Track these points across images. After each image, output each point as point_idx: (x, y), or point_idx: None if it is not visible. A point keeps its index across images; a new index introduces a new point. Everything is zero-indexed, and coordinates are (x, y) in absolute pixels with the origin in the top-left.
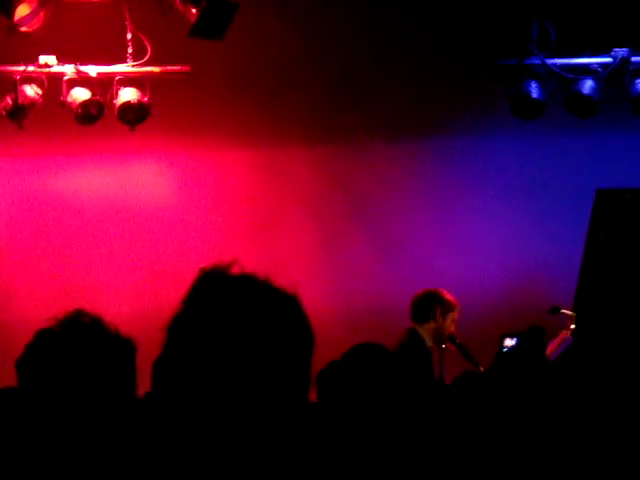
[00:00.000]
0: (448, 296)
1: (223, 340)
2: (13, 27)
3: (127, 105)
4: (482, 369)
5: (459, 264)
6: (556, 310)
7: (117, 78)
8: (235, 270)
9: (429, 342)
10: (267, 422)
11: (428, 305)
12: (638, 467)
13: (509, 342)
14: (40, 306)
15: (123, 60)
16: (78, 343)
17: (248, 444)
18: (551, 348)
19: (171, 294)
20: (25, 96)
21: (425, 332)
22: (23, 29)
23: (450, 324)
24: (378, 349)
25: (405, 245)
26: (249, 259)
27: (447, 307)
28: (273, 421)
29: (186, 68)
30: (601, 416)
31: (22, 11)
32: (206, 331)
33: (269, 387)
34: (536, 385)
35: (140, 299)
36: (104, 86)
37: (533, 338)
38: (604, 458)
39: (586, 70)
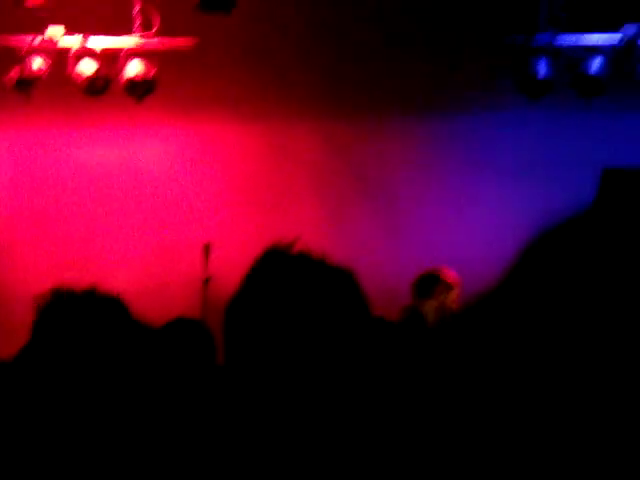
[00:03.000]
0: (450, 274)
1: (284, 319)
2: (20, 0)
3: (134, 78)
4: None
5: (466, 243)
6: None
7: (124, 51)
8: (295, 249)
9: (430, 320)
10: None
11: (429, 283)
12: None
13: None
14: (44, 280)
15: (130, 32)
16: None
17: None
18: None
19: (175, 269)
20: (32, 68)
21: (427, 310)
22: (31, 1)
23: (452, 302)
24: (380, 322)
25: (412, 223)
26: (254, 234)
27: (448, 285)
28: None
29: (194, 41)
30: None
31: None
32: (266, 310)
33: (325, 358)
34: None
35: (145, 273)
36: (111, 59)
37: None
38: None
39: (594, 48)
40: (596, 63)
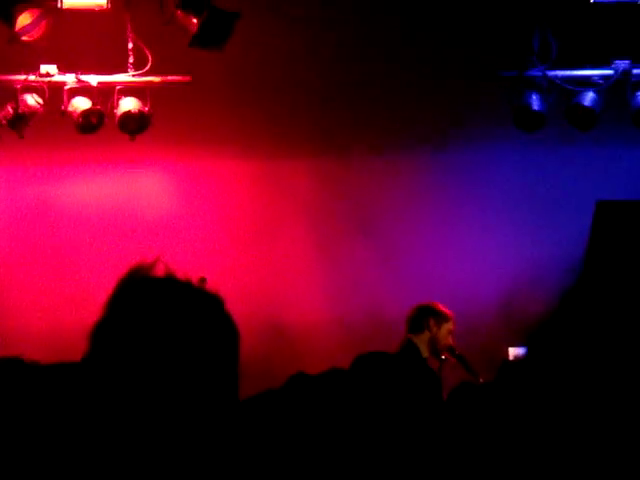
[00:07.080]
0: (442, 308)
1: (149, 344)
2: (14, 36)
3: (128, 115)
4: (482, 380)
5: (459, 275)
6: None
7: (118, 87)
8: (159, 269)
9: (425, 352)
10: (198, 421)
11: (422, 316)
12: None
13: (514, 352)
14: (39, 316)
15: (124, 69)
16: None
17: (180, 445)
18: None
19: None
20: (26, 105)
21: (421, 342)
22: (24, 38)
23: (446, 335)
24: (384, 357)
25: (405, 256)
26: (249, 269)
27: (441, 318)
28: (204, 420)
29: (187, 78)
30: (603, 428)
31: (23, 20)
32: (131, 336)
33: (197, 387)
34: (539, 395)
35: None
36: (105, 95)
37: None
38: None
39: (587, 82)
40: (590, 96)
